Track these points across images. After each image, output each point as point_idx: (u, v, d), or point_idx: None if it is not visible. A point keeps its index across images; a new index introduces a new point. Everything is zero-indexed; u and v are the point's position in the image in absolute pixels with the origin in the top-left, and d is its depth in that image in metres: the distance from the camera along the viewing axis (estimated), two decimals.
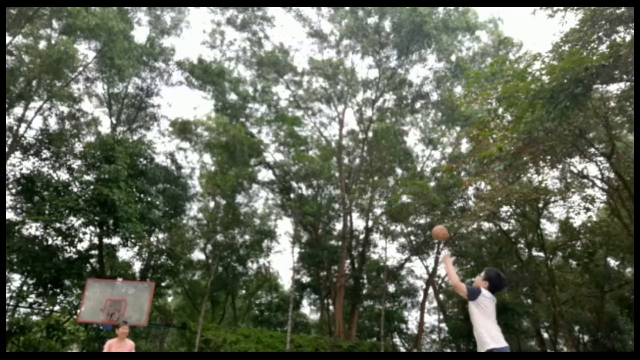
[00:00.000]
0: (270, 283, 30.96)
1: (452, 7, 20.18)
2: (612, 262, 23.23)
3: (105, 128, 21.83)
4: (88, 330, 18.57)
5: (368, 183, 23.24)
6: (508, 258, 22.87)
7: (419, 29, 19.40)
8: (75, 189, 17.51)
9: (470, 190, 19.74)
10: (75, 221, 17.28)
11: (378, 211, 23.90)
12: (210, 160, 24.01)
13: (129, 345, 7.35)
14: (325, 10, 21.96)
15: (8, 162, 16.65)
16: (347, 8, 20.94)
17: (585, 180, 15.18)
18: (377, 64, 22.19)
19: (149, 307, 11.75)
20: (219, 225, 22.72)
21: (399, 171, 24.06)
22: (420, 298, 27.48)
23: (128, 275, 20.71)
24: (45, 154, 17.86)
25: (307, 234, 25.28)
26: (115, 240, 18.76)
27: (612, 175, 14.20)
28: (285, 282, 32.68)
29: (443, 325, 29.38)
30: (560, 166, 14.53)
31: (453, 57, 21.17)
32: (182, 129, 21.93)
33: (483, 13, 43.22)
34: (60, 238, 17.54)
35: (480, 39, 22.29)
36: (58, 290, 17.70)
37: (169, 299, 30.67)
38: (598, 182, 14.83)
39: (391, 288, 27.85)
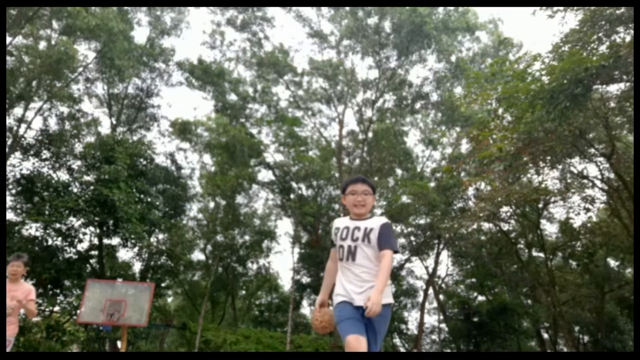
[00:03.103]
0: (270, 283, 30.95)
1: (452, 8, 20.18)
2: (612, 263, 23.23)
3: (105, 128, 21.82)
4: (88, 330, 18.59)
5: None
6: (508, 258, 22.86)
7: (419, 29, 19.39)
8: (75, 190, 17.52)
9: (470, 191, 19.73)
10: (75, 222, 17.30)
11: (378, 212, 23.88)
12: (210, 161, 24.02)
13: (24, 289, 5.15)
14: (325, 10, 21.96)
15: (8, 162, 16.65)
16: (347, 8, 20.94)
17: (585, 181, 15.18)
18: (377, 65, 22.18)
19: (149, 308, 11.73)
20: (219, 226, 22.71)
21: (399, 171, 24.06)
22: (420, 298, 27.46)
23: (128, 275, 20.69)
24: (45, 154, 17.87)
25: (307, 234, 25.27)
26: (115, 240, 18.78)
27: (612, 175, 14.20)
28: (285, 282, 32.69)
29: (443, 325, 29.37)
30: (560, 166, 14.54)
31: (453, 58, 21.16)
32: (182, 130, 21.92)
33: (483, 13, 43.20)
34: (60, 238, 17.55)
35: (480, 39, 22.30)
36: (58, 291, 17.70)
37: (169, 300, 30.65)
38: (598, 183, 14.83)
39: (392, 288, 27.81)
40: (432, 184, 21.95)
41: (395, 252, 2.89)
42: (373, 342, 2.78)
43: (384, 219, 2.99)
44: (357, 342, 2.66)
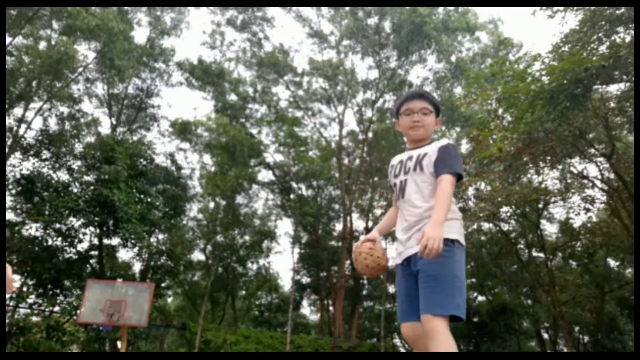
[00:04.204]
0: (270, 284, 30.95)
1: (452, 8, 20.20)
2: (612, 263, 23.23)
3: (105, 129, 21.85)
4: (88, 330, 18.57)
5: (368, 184, 23.23)
6: (508, 258, 22.86)
7: (419, 29, 19.40)
8: (75, 190, 17.51)
9: (470, 191, 19.73)
10: (75, 222, 17.29)
11: (378, 212, 23.89)
12: (210, 161, 24.04)
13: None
14: (325, 10, 21.99)
15: (8, 162, 16.65)
16: (347, 8, 20.95)
17: (585, 181, 15.18)
18: (377, 65, 22.20)
19: (148, 308, 11.72)
20: (219, 226, 22.71)
21: None
22: None
23: (128, 275, 20.71)
24: (45, 154, 17.86)
25: (307, 234, 25.27)
26: (115, 241, 18.77)
27: (612, 175, 14.20)
28: (285, 282, 32.72)
29: None
30: (560, 167, 14.54)
31: (453, 58, 21.18)
32: (182, 130, 21.94)
33: (483, 14, 43.27)
34: (60, 239, 17.54)
35: (480, 39, 22.33)
36: (58, 291, 17.71)
37: (169, 300, 30.66)
38: (598, 183, 14.83)
39: (391, 289, 27.83)
40: None
41: (459, 176, 2.16)
42: (429, 301, 1.97)
43: (445, 140, 2.29)
44: (407, 331, 2.20)
